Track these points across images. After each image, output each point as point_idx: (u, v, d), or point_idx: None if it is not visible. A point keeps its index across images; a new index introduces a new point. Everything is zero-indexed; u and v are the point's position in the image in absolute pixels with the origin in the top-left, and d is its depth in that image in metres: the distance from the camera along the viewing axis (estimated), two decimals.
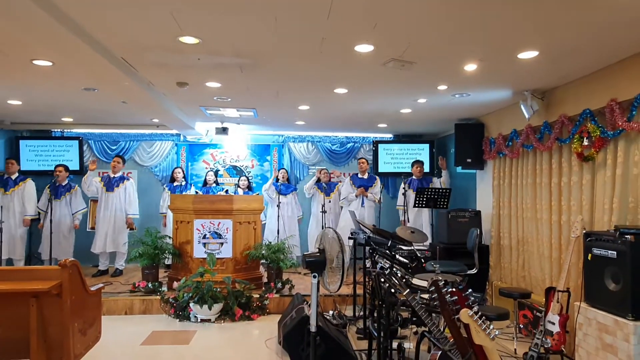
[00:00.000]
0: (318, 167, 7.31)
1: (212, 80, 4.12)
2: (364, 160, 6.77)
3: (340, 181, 7.15)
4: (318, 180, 6.96)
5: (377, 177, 6.81)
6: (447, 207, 5.94)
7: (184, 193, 6.61)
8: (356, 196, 6.54)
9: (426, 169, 7.10)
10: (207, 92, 4.56)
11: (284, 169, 7.17)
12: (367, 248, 3.95)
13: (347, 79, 4.03)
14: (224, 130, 6.40)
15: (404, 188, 6.20)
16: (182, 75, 3.99)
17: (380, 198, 6.25)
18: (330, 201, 6.59)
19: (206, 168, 7.35)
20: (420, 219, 6.38)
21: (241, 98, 4.89)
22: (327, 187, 6.77)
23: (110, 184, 6.25)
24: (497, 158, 5.35)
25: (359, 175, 6.74)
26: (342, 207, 6.90)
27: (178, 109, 5.49)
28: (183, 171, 6.95)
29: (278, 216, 6.59)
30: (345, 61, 3.49)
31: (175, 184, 6.81)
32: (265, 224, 6.96)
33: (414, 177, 6.58)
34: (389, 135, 7.70)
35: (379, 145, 7.44)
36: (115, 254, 6.23)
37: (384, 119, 6.14)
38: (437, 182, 6.56)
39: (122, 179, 6.32)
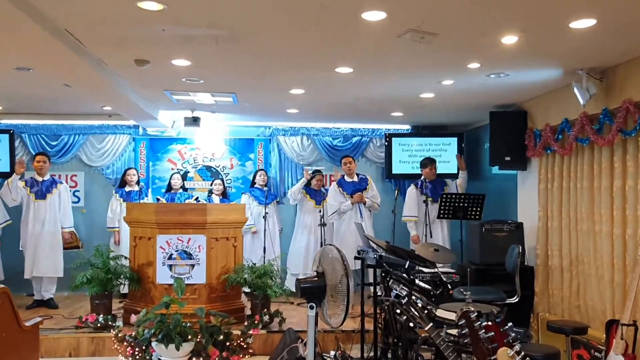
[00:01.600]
0: (307, 167, 7.30)
1: (179, 57, 4.13)
2: (350, 158, 6.81)
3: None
4: (308, 184, 6.99)
5: (367, 176, 6.86)
6: (481, 217, 5.96)
7: (142, 201, 6.61)
8: (352, 204, 6.57)
9: (451, 169, 7.13)
10: (174, 72, 4.57)
11: (262, 170, 7.19)
12: (379, 271, 3.95)
13: (352, 55, 4.04)
14: (194, 121, 6.41)
15: (424, 195, 6.23)
16: (141, 51, 4.00)
17: (395, 207, 6.24)
18: (320, 211, 6.58)
19: (172, 169, 7.37)
20: (438, 233, 6.42)
21: (217, 80, 4.89)
22: (318, 192, 6.80)
23: (40, 191, 6.24)
24: (544, 155, 5.38)
25: (347, 179, 6.78)
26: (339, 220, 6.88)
27: (136, 93, 5.49)
28: (138, 173, 6.98)
29: (265, 230, 6.60)
30: (349, 33, 3.50)
31: (127, 188, 6.82)
32: (251, 236, 6.97)
33: (421, 179, 6.58)
34: (405, 127, 7.73)
35: (393, 139, 7.46)
36: (50, 279, 6.22)
37: (399, 106, 6.16)
38: (452, 186, 6.61)
39: (54, 182, 6.33)
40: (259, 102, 6.05)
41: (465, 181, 6.66)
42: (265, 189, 6.86)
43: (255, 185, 7.07)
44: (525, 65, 4.32)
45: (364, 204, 6.59)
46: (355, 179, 6.77)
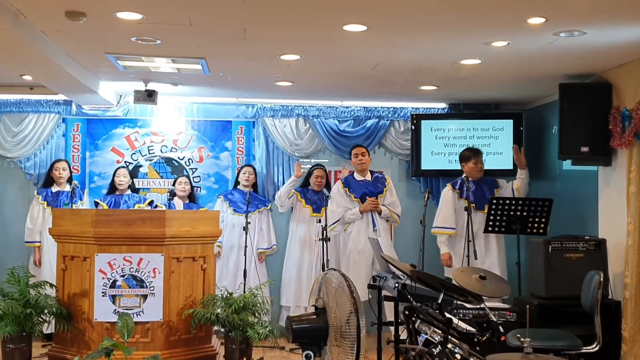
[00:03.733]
0: (301, 161, 7.32)
1: (127, 7, 4.13)
2: (363, 149, 6.80)
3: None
4: (307, 184, 7.00)
5: (386, 176, 6.86)
6: (546, 231, 5.94)
7: (75, 206, 6.62)
8: (361, 213, 6.57)
9: (505, 164, 7.11)
10: (120, 29, 4.56)
11: (250, 166, 7.21)
12: (401, 306, 3.96)
13: (366, 7, 4.03)
14: (149, 97, 6.42)
15: (464, 199, 6.22)
16: (75, 1, 4.00)
17: (424, 215, 6.21)
18: (320, 220, 6.56)
19: (117, 162, 7.38)
20: (485, 253, 6.38)
21: (179, 40, 4.89)
22: (328, 195, 6.73)
23: None
24: (636, 145, 5.36)
25: (358, 177, 6.79)
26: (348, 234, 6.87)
27: (68, 58, 5.50)
28: (70, 168, 6.97)
29: (245, 246, 6.61)
30: None
31: (55, 188, 6.82)
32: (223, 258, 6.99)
33: (462, 177, 6.55)
34: (440, 106, 7.71)
35: (423, 122, 7.44)
36: None
37: (430, 76, 6.14)
38: (506, 188, 6.58)
39: None
40: (238, 71, 6.03)
41: (527, 184, 6.63)
42: (247, 190, 6.85)
43: (238, 187, 7.10)
44: (609, 20, 4.30)
45: (379, 213, 6.60)
46: (369, 177, 6.78)
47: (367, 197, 6.62)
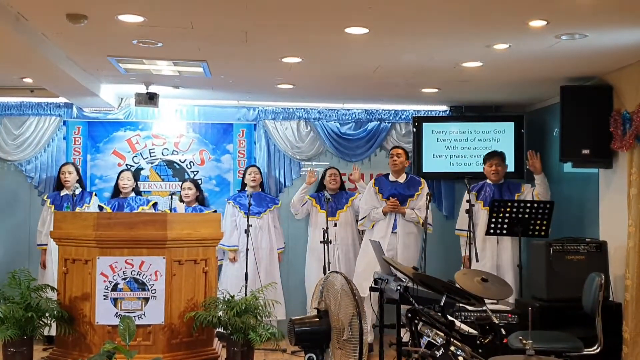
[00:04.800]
0: (310, 169, 7.33)
1: (129, 10, 4.14)
2: (399, 150, 6.79)
3: (358, 191, 7.18)
4: (322, 188, 7.02)
5: (422, 179, 6.85)
6: (547, 234, 5.93)
7: (78, 209, 6.64)
8: (384, 213, 6.59)
9: (509, 166, 7.12)
10: (121, 31, 4.57)
11: (254, 166, 7.22)
12: (404, 309, 3.96)
13: (368, 10, 4.04)
14: (150, 99, 6.43)
15: (469, 201, 6.21)
16: (76, 2, 4.01)
17: (427, 218, 6.23)
18: (336, 224, 6.58)
19: (119, 165, 7.40)
20: (490, 254, 6.37)
21: (181, 43, 4.89)
22: (332, 199, 6.76)
23: None
24: (637, 147, 5.36)
25: (391, 178, 6.79)
26: (361, 235, 6.91)
27: (70, 61, 5.50)
28: (78, 170, 6.98)
29: (247, 250, 6.61)
30: None
31: (63, 192, 6.85)
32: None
33: (487, 180, 6.61)
34: (441, 108, 7.72)
35: (424, 124, 7.46)
36: None
37: (432, 79, 6.15)
38: (528, 192, 6.54)
39: None
40: (240, 74, 6.04)
41: (547, 189, 6.38)
42: (249, 192, 6.84)
43: (244, 189, 7.09)
44: (611, 23, 4.30)
45: (403, 214, 6.56)
46: (403, 179, 6.72)
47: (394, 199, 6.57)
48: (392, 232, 6.53)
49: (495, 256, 6.39)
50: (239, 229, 6.89)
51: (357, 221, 6.92)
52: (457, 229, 6.64)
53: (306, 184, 7.08)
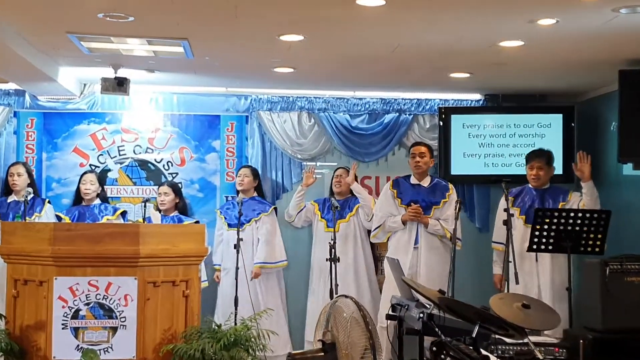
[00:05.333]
0: (309, 166, 7.34)
1: None
2: (422, 148, 6.77)
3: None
4: (332, 194, 7.04)
5: (449, 184, 6.84)
6: (603, 250, 5.91)
7: (30, 219, 6.62)
8: (403, 222, 6.58)
9: (556, 169, 7.12)
10: (84, 2, 4.56)
11: (246, 167, 7.22)
12: (428, 341, 3.94)
13: None
14: (120, 86, 6.42)
15: (507, 209, 6.20)
16: None
17: (455, 231, 6.20)
18: (335, 236, 6.53)
19: (81, 165, 7.40)
20: (536, 275, 6.37)
21: (157, 17, 4.89)
22: (339, 207, 6.75)
23: None
24: None
25: (412, 180, 6.78)
26: (380, 253, 6.90)
27: (21, 39, 5.50)
28: (30, 172, 6.96)
29: (237, 269, 6.62)
30: None
31: (11, 199, 6.85)
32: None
33: (529, 185, 6.61)
34: (473, 97, 7.73)
35: (453, 116, 7.47)
36: None
37: (463, 61, 6.15)
38: (574, 202, 6.51)
39: None
40: (228, 55, 6.05)
41: (596, 199, 6.35)
42: (239, 199, 6.85)
43: (234, 199, 7.13)
44: None
45: (425, 225, 6.55)
46: (427, 183, 6.73)
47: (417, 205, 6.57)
48: (413, 247, 6.53)
49: (536, 277, 6.38)
50: (222, 244, 6.96)
51: (368, 232, 6.92)
52: (493, 241, 6.64)
53: (303, 186, 7.10)
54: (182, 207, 7.02)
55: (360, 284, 7.06)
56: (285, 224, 7.33)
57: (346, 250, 6.99)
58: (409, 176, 6.82)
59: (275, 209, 7.29)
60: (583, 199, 6.39)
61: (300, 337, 7.11)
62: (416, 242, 6.55)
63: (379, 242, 6.81)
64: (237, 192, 7.17)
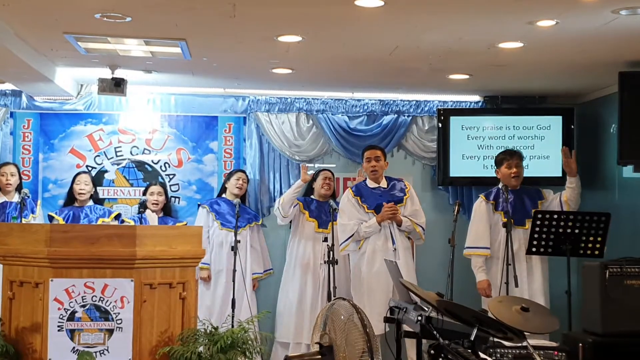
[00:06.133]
0: (306, 164, 7.33)
1: None
2: (378, 152, 6.69)
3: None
4: (311, 192, 7.04)
5: (405, 182, 6.84)
6: (603, 253, 5.90)
7: (25, 220, 6.61)
8: (379, 223, 6.54)
9: (553, 170, 7.16)
10: (81, 2, 4.56)
11: (241, 172, 7.21)
12: (426, 344, 3.93)
13: None
14: (117, 86, 6.42)
15: (500, 211, 6.20)
16: None
17: (454, 233, 6.16)
18: (326, 238, 6.49)
19: (78, 166, 7.39)
20: (527, 279, 6.37)
21: (154, 17, 4.89)
22: (335, 208, 6.69)
23: None
24: None
25: (369, 184, 6.74)
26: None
27: (18, 39, 5.49)
28: (20, 173, 6.96)
29: (234, 271, 6.61)
30: None
31: (1, 199, 6.83)
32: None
33: (500, 186, 6.58)
34: (473, 99, 7.73)
35: (452, 118, 7.47)
36: None
37: (462, 63, 6.15)
38: (554, 200, 6.58)
39: None
40: (226, 56, 6.04)
41: (578, 195, 6.55)
42: (236, 201, 6.84)
43: (223, 195, 7.10)
44: None
45: (399, 224, 6.55)
46: (384, 184, 6.74)
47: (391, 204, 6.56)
48: (392, 249, 6.50)
49: (525, 280, 6.38)
50: (211, 242, 6.93)
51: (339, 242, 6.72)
52: (469, 247, 6.58)
53: (301, 181, 7.07)
54: (168, 209, 7.05)
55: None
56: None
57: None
58: (364, 181, 6.81)
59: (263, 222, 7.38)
60: (567, 192, 6.51)
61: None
62: (393, 242, 6.52)
63: (349, 252, 6.70)
64: (222, 191, 7.18)
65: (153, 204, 6.92)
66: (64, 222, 6.69)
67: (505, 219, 6.31)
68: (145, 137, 7.49)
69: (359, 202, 6.64)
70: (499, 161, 6.59)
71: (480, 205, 6.57)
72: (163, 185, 7.18)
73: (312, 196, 7.07)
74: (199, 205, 7.24)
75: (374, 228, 6.53)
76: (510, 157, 6.54)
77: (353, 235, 6.56)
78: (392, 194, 6.68)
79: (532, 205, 6.47)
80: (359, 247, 6.61)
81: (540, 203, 6.54)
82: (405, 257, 6.53)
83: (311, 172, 7.22)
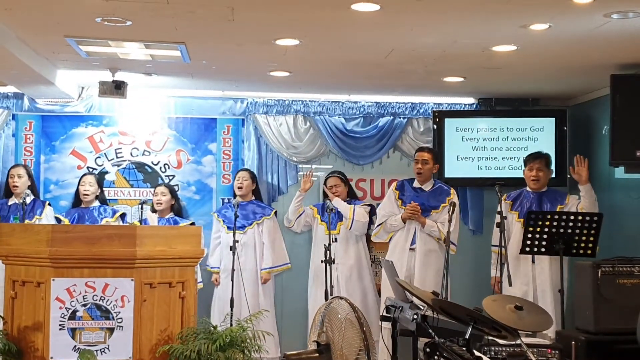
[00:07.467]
0: (307, 171, 7.35)
1: None
2: (425, 155, 6.69)
3: (364, 202, 7.22)
4: (326, 197, 7.03)
5: (452, 189, 6.78)
6: (595, 253, 5.92)
7: (27, 222, 6.58)
8: (403, 221, 6.59)
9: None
10: (83, 6, 4.56)
11: (245, 170, 7.23)
12: (422, 342, 3.93)
13: None
14: (117, 89, 6.42)
15: (500, 212, 6.20)
16: None
17: (450, 233, 6.19)
18: (336, 239, 6.61)
19: (79, 168, 7.40)
20: (530, 278, 6.37)
21: (154, 21, 4.89)
22: (332, 208, 6.77)
23: None
24: None
25: (415, 184, 6.78)
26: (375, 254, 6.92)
27: (20, 42, 5.50)
28: (30, 174, 6.97)
29: (233, 271, 6.63)
30: None
31: (11, 201, 6.85)
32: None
33: (527, 188, 6.60)
34: (467, 101, 7.74)
35: (447, 120, 7.47)
36: None
37: (457, 66, 6.16)
38: (572, 205, 6.49)
39: None
40: (225, 59, 6.04)
41: (594, 203, 6.30)
42: (235, 201, 6.85)
43: (230, 201, 7.11)
44: None
45: (422, 225, 6.55)
46: (429, 187, 6.72)
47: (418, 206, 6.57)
48: (409, 248, 6.54)
49: (531, 279, 6.38)
50: (221, 247, 6.97)
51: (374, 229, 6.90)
52: (492, 245, 6.62)
53: (301, 191, 7.11)
54: (177, 209, 7.03)
55: (366, 286, 7.10)
56: (284, 227, 7.32)
57: (348, 252, 7.02)
58: (412, 179, 6.82)
59: (276, 212, 7.29)
60: (581, 202, 6.36)
61: (290, 340, 7.08)
62: (412, 243, 6.55)
63: (380, 241, 6.81)
64: (234, 194, 7.17)
65: (157, 203, 6.94)
66: (69, 223, 6.68)
67: (520, 219, 6.35)
68: (145, 138, 7.49)
69: (397, 196, 6.70)
70: (524, 162, 6.57)
71: (501, 204, 6.43)
72: (169, 186, 7.16)
73: (327, 200, 7.05)
74: (215, 215, 7.22)
75: (398, 223, 6.59)
76: (532, 160, 6.48)
77: (382, 224, 6.66)
78: (430, 197, 6.66)
79: (549, 209, 6.37)
80: (388, 239, 6.69)
81: (560, 207, 6.39)
82: (423, 259, 6.52)
83: (319, 175, 7.27)
